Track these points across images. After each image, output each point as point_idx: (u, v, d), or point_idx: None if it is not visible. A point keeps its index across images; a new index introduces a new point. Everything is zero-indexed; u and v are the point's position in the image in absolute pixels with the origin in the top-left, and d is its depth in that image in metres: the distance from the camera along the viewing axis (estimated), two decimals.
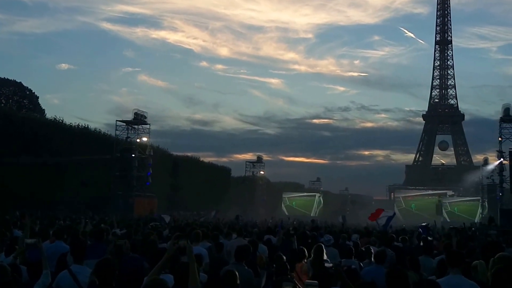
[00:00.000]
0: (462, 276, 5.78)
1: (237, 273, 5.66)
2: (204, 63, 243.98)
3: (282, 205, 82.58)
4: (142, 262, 5.30)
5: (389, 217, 17.38)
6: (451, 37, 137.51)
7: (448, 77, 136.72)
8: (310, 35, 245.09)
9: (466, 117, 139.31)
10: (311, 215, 74.02)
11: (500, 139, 42.86)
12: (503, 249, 8.92)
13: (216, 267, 8.61)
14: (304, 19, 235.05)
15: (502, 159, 43.25)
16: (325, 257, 8.82)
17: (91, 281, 5.46)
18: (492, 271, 5.39)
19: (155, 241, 9.43)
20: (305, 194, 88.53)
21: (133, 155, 46.80)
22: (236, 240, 12.21)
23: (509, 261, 5.97)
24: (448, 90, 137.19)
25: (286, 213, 74.72)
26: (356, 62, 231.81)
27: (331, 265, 5.80)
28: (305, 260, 9.00)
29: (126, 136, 48.44)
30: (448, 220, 73.25)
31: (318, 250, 8.72)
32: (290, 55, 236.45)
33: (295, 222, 14.21)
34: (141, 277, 4.82)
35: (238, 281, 5.51)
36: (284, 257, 8.63)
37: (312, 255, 8.77)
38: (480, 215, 61.08)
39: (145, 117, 49.03)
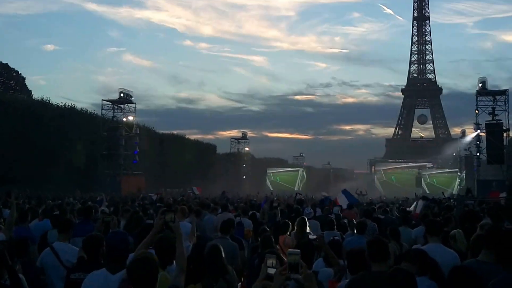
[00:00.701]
0: (441, 245, 5.85)
1: (221, 247, 5.61)
2: (188, 42, 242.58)
3: (267, 180, 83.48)
4: (127, 237, 4.86)
5: (347, 196, 17.44)
6: (429, 13, 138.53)
7: (426, 52, 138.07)
8: (291, 13, 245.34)
9: (444, 91, 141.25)
10: (295, 189, 75.23)
11: (476, 112, 43.79)
12: (481, 218, 9.52)
13: (203, 242, 8.65)
14: None
15: (479, 131, 44.43)
16: (308, 229, 9.12)
17: (80, 257, 5.45)
18: (472, 238, 5.42)
19: (141, 216, 9.42)
20: (289, 169, 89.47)
21: (120, 134, 47.10)
22: (222, 214, 12.35)
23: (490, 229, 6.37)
24: (426, 65, 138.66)
25: (271, 188, 75.82)
26: (337, 38, 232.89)
27: (315, 237, 5.79)
28: (289, 233, 9.06)
29: (112, 115, 48.63)
30: (427, 191, 74.99)
31: (301, 222, 8.98)
32: (272, 33, 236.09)
33: (275, 198, 14.18)
34: (126, 252, 4.59)
35: (223, 255, 5.47)
36: (269, 230, 8.78)
37: (295, 228, 9.02)
38: (458, 187, 62.76)
39: (131, 96, 49.12)
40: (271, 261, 3.10)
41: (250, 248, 10.00)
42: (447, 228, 8.79)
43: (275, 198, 19.19)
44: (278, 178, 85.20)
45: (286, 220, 9.81)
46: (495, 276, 4.07)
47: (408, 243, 9.35)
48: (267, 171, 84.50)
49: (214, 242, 7.57)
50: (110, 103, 48.81)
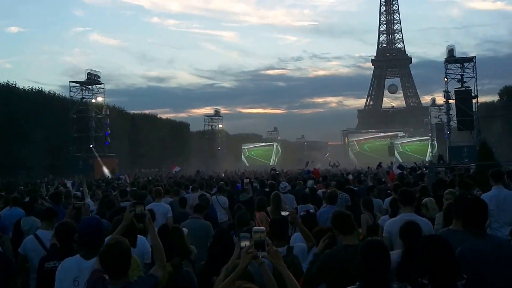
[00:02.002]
0: (414, 214, 5.87)
1: (181, 228, 5.66)
2: (155, 19, 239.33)
3: (242, 156, 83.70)
4: (100, 222, 4.79)
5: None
6: None
7: (394, 21, 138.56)
8: None
9: (413, 60, 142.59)
10: (270, 164, 75.60)
11: (445, 79, 44.37)
12: (453, 186, 9.76)
13: (180, 222, 8.64)
14: None
15: (448, 99, 45.06)
16: (283, 204, 9.21)
17: (52, 244, 5.44)
18: (444, 207, 5.57)
19: (112, 200, 9.33)
20: (264, 144, 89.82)
21: (90, 116, 46.43)
22: (197, 193, 12.31)
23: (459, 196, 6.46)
24: (395, 34, 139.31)
25: (247, 164, 76.08)
26: (306, 11, 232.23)
27: (287, 213, 5.76)
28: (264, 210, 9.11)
29: (81, 97, 47.86)
30: (400, 160, 76.26)
31: (275, 198, 8.99)
32: (241, 7, 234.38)
33: (246, 180, 13.87)
34: (100, 238, 4.52)
35: (184, 235, 5.52)
36: (244, 208, 8.66)
37: (270, 204, 9.02)
38: (431, 154, 63.87)
39: (99, 77, 48.41)
40: (244, 243, 3.06)
41: (226, 226, 10.00)
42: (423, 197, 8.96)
43: (245, 178, 18.93)
44: (253, 153, 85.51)
45: (262, 197, 9.79)
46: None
47: (380, 213, 9.36)
48: (242, 147, 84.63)
49: (187, 222, 7.66)
50: (78, 85, 47.98)
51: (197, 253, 5.99)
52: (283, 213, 5.70)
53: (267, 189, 13.01)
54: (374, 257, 3.39)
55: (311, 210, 7.41)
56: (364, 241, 3.58)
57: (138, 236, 5.72)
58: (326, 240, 4.81)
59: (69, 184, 16.26)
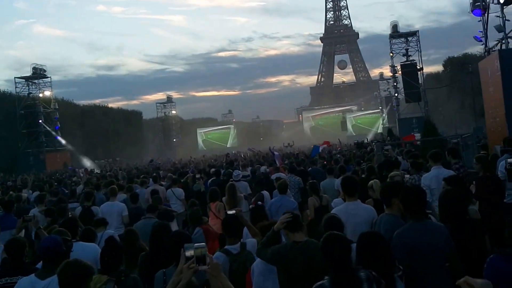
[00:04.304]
0: (358, 202, 5.92)
1: (135, 231, 5.71)
2: (101, 7, 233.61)
3: (199, 140, 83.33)
4: (58, 243, 4.56)
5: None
6: None
7: None
8: None
9: (360, 35, 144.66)
10: (228, 146, 75.75)
11: (391, 54, 45.33)
12: (398, 165, 10.15)
13: (133, 218, 8.89)
14: None
15: (394, 73, 46.08)
16: (238, 192, 9.38)
17: (3, 259, 5.32)
18: (380, 191, 5.64)
19: (64, 208, 8.65)
20: (219, 127, 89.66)
21: (38, 111, 45.26)
22: (152, 187, 12.35)
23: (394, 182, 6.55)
24: (342, 11, 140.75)
25: (204, 148, 75.91)
26: None
27: (233, 212, 5.74)
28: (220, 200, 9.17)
29: (27, 92, 46.58)
30: (353, 133, 77.76)
31: (229, 189, 9.16)
32: None
33: (197, 175, 13.57)
34: (57, 257, 4.37)
35: (139, 237, 5.57)
36: (197, 202, 8.71)
37: (226, 194, 9.22)
38: (382, 126, 65.25)
39: (45, 71, 47.13)
40: (190, 252, 3.15)
41: (181, 222, 10.02)
42: (371, 177, 9.21)
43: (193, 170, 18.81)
44: (210, 136, 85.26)
45: (214, 188, 9.87)
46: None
47: (334, 194, 9.61)
48: (198, 132, 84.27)
49: (137, 224, 7.68)
50: (24, 80, 46.60)
51: None
52: (229, 212, 5.78)
53: (222, 178, 13.14)
54: (335, 251, 3.50)
55: (259, 202, 7.49)
56: (323, 237, 3.69)
57: (89, 243, 5.80)
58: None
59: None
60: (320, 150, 17.73)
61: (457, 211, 4.71)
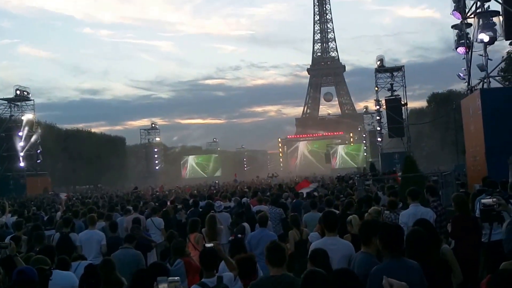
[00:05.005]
0: (337, 238, 5.96)
1: (111, 261, 5.70)
2: (87, 30, 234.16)
3: (182, 169, 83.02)
4: (34, 276, 4.53)
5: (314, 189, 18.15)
6: None
7: (328, 30, 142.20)
8: None
9: (347, 68, 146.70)
10: (211, 176, 75.47)
11: (376, 88, 45.95)
12: (378, 201, 10.18)
13: (112, 247, 8.68)
14: None
15: (379, 107, 46.65)
16: (218, 224, 9.24)
17: None
18: (359, 228, 5.65)
19: (41, 235, 8.61)
20: (204, 156, 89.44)
21: (19, 134, 44.80)
22: (132, 215, 12.23)
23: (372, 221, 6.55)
24: (329, 43, 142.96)
25: (186, 177, 75.62)
26: (243, 20, 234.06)
27: (211, 244, 5.69)
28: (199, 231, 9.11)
29: (9, 114, 46.21)
30: (337, 166, 78.22)
31: (209, 220, 9.06)
32: (177, 16, 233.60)
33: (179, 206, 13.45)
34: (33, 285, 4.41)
35: (115, 269, 5.55)
36: (176, 233, 8.65)
37: (205, 225, 9.06)
38: (365, 160, 65.73)
39: (28, 93, 46.80)
40: (163, 286, 3.14)
41: (159, 252, 9.89)
42: (349, 212, 9.33)
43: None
44: (193, 165, 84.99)
45: (194, 218, 9.77)
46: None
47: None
48: (182, 160, 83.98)
49: (115, 254, 7.60)
50: (6, 102, 46.27)
51: (127, 284, 5.98)
52: (207, 245, 5.75)
53: (200, 209, 13.05)
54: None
55: (239, 235, 7.45)
56: (304, 274, 3.72)
57: (66, 272, 5.73)
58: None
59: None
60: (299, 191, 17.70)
61: (421, 251, 4.72)
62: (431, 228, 5.52)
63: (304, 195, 15.64)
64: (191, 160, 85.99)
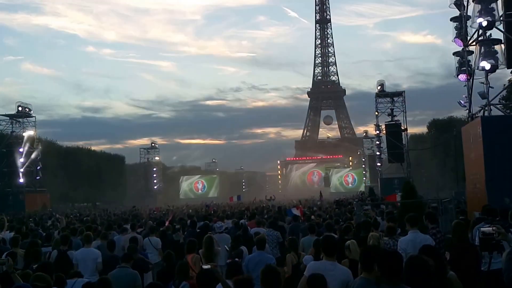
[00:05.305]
0: (335, 263, 5.95)
1: (109, 280, 5.82)
2: (90, 48, 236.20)
3: (180, 190, 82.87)
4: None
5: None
6: (330, 16, 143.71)
7: (329, 54, 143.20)
8: (197, 17, 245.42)
9: (347, 92, 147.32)
10: (209, 196, 75.31)
11: (376, 113, 46.02)
12: (376, 226, 10.13)
13: (109, 266, 8.69)
14: (191, 0, 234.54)
15: (379, 132, 46.69)
16: (216, 246, 9.10)
17: None
18: (359, 255, 5.58)
19: (39, 252, 8.83)
20: (202, 176, 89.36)
21: (20, 150, 44.82)
22: (130, 234, 12.14)
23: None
24: (330, 67, 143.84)
25: (185, 197, 75.41)
26: (244, 42, 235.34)
27: (208, 266, 5.91)
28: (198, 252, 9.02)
29: (11, 130, 46.31)
30: (336, 190, 78.07)
31: (207, 241, 8.95)
32: (179, 37, 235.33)
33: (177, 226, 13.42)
34: None
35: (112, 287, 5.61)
36: (173, 253, 8.70)
37: (203, 246, 8.96)
38: (364, 184, 65.65)
39: (30, 110, 47.04)
40: None
41: (156, 273, 9.77)
42: (347, 237, 9.29)
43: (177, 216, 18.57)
44: (191, 186, 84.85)
45: (191, 239, 9.71)
46: None
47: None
48: (180, 180, 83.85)
49: (112, 273, 7.56)
50: (8, 118, 46.40)
51: None
52: (204, 266, 5.75)
53: (198, 230, 12.94)
54: None
55: (236, 259, 7.42)
56: None
57: None
58: None
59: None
60: (293, 213, 17.62)
61: (421, 278, 4.68)
62: (437, 256, 5.50)
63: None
64: (189, 180, 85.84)
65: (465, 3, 17.99)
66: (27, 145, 45.37)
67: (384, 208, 15.34)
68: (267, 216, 17.89)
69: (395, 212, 13.10)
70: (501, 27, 16.59)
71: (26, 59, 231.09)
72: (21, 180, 44.67)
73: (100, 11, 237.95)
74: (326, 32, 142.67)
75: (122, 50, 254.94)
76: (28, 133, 46.10)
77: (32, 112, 47.32)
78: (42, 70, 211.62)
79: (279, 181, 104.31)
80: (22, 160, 44.62)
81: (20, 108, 45.53)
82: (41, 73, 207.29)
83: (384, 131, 44.80)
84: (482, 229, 5.73)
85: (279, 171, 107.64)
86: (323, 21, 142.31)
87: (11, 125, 46.48)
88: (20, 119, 46.63)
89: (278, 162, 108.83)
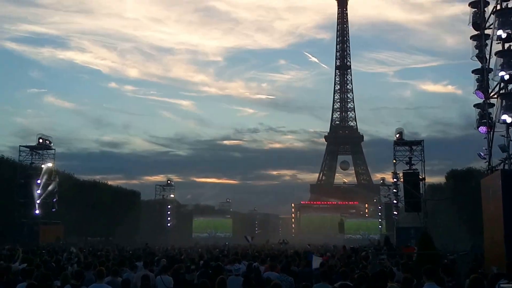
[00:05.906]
0: None
1: None
2: (113, 84, 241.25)
3: (193, 229, 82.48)
4: None
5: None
6: (350, 62, 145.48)
7: (348, 100, 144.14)
8: (219, 58, 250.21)
9: (365, 138, 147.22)
10: (222, 236, 74.84)
11: (394, 161, 45.79)
12: (393, 276, 10.09)
13: None
14: (213, 42, 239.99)
15: (396, 180, 46.37)
16: None
17: None
18: None
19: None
20: (215, 217, 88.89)
21: (38, 181, 45.20)
22: (141, 272, 12.14)
23: None
24: (348, 112, 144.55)
25: (196, 235, 74.93)
26: (264, 85, 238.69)
27: None
28: None
29: (30, 161, 46.82)
30: (350, 237, 77.04)
31: (219, 283, 8.92)
32: (200, 77, 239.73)
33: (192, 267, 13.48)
34: None
35: None
36: None
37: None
38: (380, 233, 64.74)
39: (50, 142, 47.60)
40: None
41: None
42: (362, 286, 9.18)
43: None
44: (205, 226, 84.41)
45: (204, 280, 9.68)
46: None
47: None
48: (193, 219, 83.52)
49: None
50: (28, 149, 47.03)
51: None
52: None
53: (210, 271, 12.72)
54: None
55: None
56: None
57: None
58: None
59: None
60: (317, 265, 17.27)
61: None
62: None
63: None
64: (203, 220, 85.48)
65: (487, 56, 18.12)
66: (45, 177, 45.71)
67: (399, 259, 15.07)
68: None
69: (411, 263, 12.89)
70: None
71: (49, 92, 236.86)
72: (37, 211, 44.78)
73: (124, 48, 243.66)
74: (345, 78, 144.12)
75: (143, 87, 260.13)
76: (47, 165, 46.52)
77: (52, 144, 47.88)
78: (64, 103, 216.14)
79: (293, 224, 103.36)
80: (39, 191, 44.89)
81: (40, 140, 46.10)
82: (63, 106, 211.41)
83: (402, 179, 44.45)
84: (502, 285, 5.66)
85: (292, 214, 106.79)
86: (343, 67, 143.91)
87: (30, 157, 46.98)
88: (40, 151, 47.16)
89: (292, 205, 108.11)
